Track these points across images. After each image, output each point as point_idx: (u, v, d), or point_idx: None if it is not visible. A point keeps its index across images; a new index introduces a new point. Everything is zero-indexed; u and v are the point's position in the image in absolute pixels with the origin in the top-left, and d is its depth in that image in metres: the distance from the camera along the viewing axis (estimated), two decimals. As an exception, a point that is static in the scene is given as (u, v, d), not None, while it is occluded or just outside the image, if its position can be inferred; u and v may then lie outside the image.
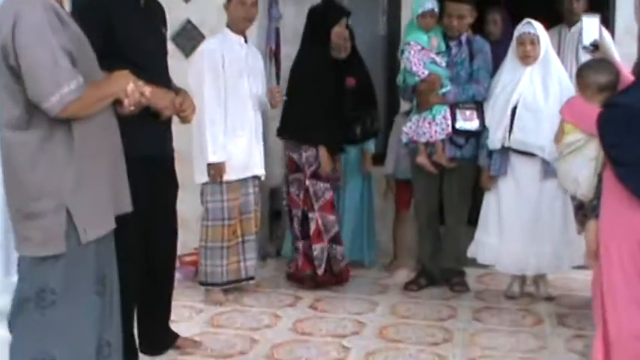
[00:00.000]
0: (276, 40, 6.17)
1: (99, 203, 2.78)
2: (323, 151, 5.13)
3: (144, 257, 3.66)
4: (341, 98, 5.36)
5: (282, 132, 5.30)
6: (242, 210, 4.95)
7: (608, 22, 6.01)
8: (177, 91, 3.70)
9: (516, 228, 4.88)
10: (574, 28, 5.48)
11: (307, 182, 5.14)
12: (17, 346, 2.77)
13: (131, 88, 2.83)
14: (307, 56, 5.28)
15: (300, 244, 5.21)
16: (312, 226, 5.15)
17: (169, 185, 3.87)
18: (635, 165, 2.82)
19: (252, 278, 5.06)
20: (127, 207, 2.97)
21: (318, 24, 5.28)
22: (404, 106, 5.92)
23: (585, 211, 3.77)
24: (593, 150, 3.29)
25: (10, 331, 2.80)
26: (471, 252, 5.10)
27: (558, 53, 5.24)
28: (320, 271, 5.16)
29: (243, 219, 4.96)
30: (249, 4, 4.85)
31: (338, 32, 5.23)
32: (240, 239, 4.98)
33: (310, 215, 5.16)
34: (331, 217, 5.19)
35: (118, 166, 2.93)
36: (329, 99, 5.21)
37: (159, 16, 3.88)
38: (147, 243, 3.67)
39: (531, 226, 4.83)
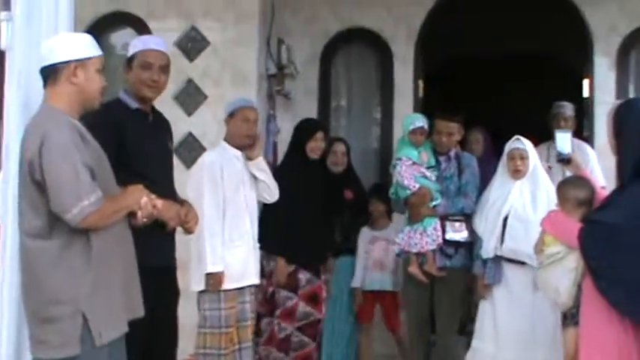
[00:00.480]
0: (274, 153, 6.46)
1: (113, 308, 2.94)
2: (281, 262, 5.34)
3: None
4: (340, 210, 5.63)
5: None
6: (239, 317, 5.02)
7: (591, 138, 6.43)
8: (182, 202, 3.88)
9: (512, 335, 5.02)
10: None
11: (271, 288, 5.35)
12: None
13: (144, 202, 3.05)
14: (284, 169, 5.58)
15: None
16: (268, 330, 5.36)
17: (172, 293, 4.00)
18: (615, 279, 3.07)
19: None
20: (139, 312, 3.13)
21: (295, 138, 5.63)
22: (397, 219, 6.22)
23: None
24: (573, 261, 3.50)
25: None
26: (468, 358, 5.23)
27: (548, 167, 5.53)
28: None
29: (239, 326, 5.02)
30: (252, 121, 5.02)
31: (313, 147, 5.51)
32: (237, 347, 5.07)
33: (266, 320, 5.36)
34: (288, 327, 5.35)
35: (132, 273, 3.11)
36: (315, 211, 5.42)
37: (166, 130, 4.09)
38: (149, 349, 3.72)
39: (526, 333, 4.97)
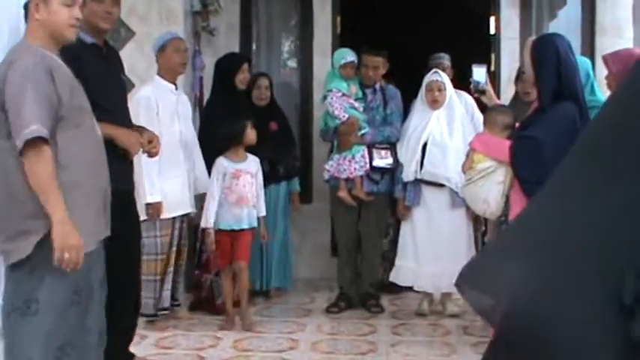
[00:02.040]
0: (200, 88, 6.68)
1: (84, 226, 3.09)
2: None
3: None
4: (265, 141, 5.92)
5: None
6: (172, 243, 5.31)
7: (497, 72, 6.92)
8: (139, 130, 4.11)
9: (430, 252, 5.54)
10: None
11: None
12: (7, 352, 3.13)
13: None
14: (215, 103, 5.83)
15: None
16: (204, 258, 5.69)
17: (136, 215, 4.25)
18: (540, 182, 3.57)
19: (166, 309, 5.37)
20: (106, 232, 3.32)
21: (223, 72, 5.89)
22: (317, 149, 6.60)
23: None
24: (501, 175, 3.97)
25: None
26: (392, 277, 5.73)
27: None
28: (219, 300, 5.64)
29: (171, 252, 5.33)
30: (182, 50, 5.35)
31: (241, 78, 5.83)
32: (170, 269, 5.36)
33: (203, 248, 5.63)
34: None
35: (103, 195, 3.28)
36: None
37: (118, 62, 4.27)
38: (116, 268, 3.73)
39: (443, 249, 5.49)
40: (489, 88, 4.71)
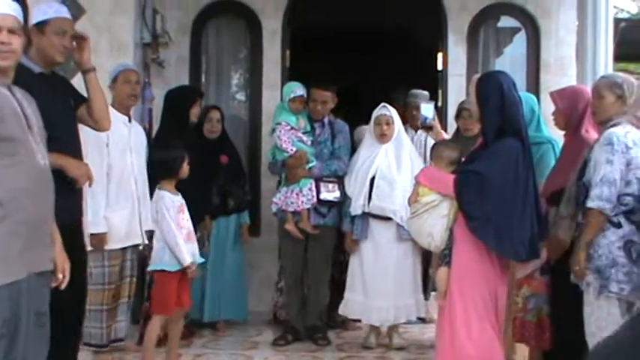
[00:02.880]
0: (149, 119, 6.66)
1: (9, 255, 3.03)
2: None
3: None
4: (216, 173, 5.94)
5: None
6: (121, 275, 5.28)
7: (444, 108, 7.03)
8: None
9: (378, 285, 5.55)
10: (420, 131, 6.09)
11: None
12: None
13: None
14: (165, 136, 5.77)
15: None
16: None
17: (81, 250, 4.17)
18: (485, 220, 3.68)
19: (121, 340, 5.34)
20: (46, 265, 3.22)
21: (176, 105, 5.87)
22: (265, 182, 6.62)
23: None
24: (445, 208, 4.03)
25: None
26: (341, 309, 5.74)
27: None
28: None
29: (121, 283, 5.29)
30: (133, 81, 5.37)
31: (195, 112, 5.85)
32: (118, 302, 5.31)
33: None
34: None
35: (41, 227, 3.19)
36: (193, 174, 5.65)
37: (68, 90, 4.20)
38: (58, 303, 3.67)
39: (390, 282, 5.52)
40: (436, 124, 4.81)
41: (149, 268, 5.02)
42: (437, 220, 4.03)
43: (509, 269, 4.08)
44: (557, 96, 4.42)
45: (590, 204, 3.71)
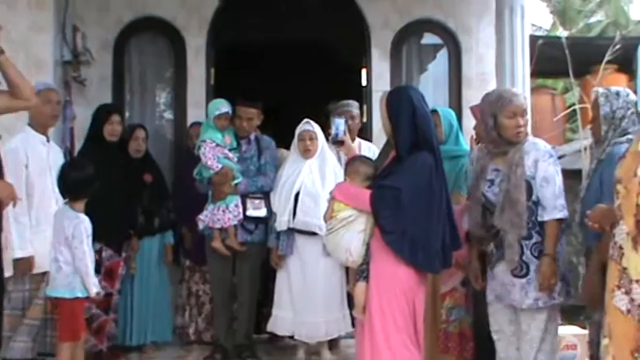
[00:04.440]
0: (71, 139, 6.53)
1: None
2: None
3: None
4: (140, 193, 5.87)
5: None
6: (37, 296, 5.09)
7: (369, 124, 7.09)
8: None
9: (306, 301, 5.52)
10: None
11: None
12: None
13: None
14: (84, 155, 5.67)
15: None
16: None
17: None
18: (400, 234, 3.73)
19: None
20: None
21: (92, 123, 5.84)
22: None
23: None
24: (362, 223, 4.01)
25: None
26: (269, 326, 5.69)
27: None
28: None
29: (33, 305, 5.08)
30: (54, 101, 5.24)
31: (110, 129, 5.76)
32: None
33: None
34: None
35: None
36: (116, 193, 5.57)
37: None
38: None
39: (318, 298, 5.50)
40: (347, 139, 4.81)
41: (53, 294, 4.67)
42: (354, 236, 4.01)
43: (426, 282, 4.10)
44: (477, 110, 4.49)
45: (558, 215, 3.89)
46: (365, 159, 4.47)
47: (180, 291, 6.45)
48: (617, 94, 3.95)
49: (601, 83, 7.16)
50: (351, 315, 5.73)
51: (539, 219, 3.92)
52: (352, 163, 4.37)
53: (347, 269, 5.58)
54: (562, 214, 3.90)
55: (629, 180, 2.94)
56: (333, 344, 5.79)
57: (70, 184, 4.66)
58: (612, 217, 3.11)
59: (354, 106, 6.16)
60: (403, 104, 4.01)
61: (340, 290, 5.58)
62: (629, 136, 3.77)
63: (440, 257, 3.92)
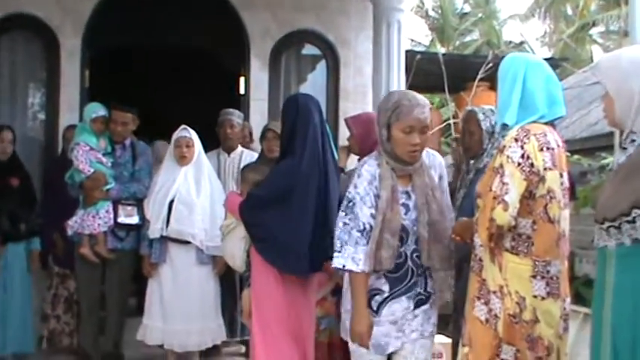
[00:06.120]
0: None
1: None
2: None
3: None
4: (6, 196, 5.65)
5: None
6: None
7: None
8: None
9: (178, 310, 5.43)
10: (233, 154, 6.15)
11: None
12: None
13: None
14: None
15: None
16: None
17: None
18: (268, 241, 3.77)
19: None
20: None
21: None
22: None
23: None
24: (242, 231, 4.06)
25: None
26: (139, 335, 5.56)
27: (218, 175, 5.86)
28: None
29: None
30: None
31: None
32: None
33: None
34: None
35: None
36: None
37: None
38: None
39: (191, 307, 5.42)
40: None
41: None
42: (236, 243, 4.09)
43: (312, 288, 4.13)
44: (351, 122, 4.53)
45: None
46: (255, 166, 4.52)
47: (48, 298, 6.24)
48: (492, 111, 4.10)
49: (473, 100, 7.43)
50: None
51: None
52: (243, 170, 4.44)
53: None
54: None
55: (486, 194, 3.05)
56: (209, 353, 5.72)
57: None
58: (473, 230, 3.20)
59: (235, 114, 6.16)
60: (289, 111, 4.05)
61: (214, 299, 5.54)
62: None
63: (308, 260, 3.88)
